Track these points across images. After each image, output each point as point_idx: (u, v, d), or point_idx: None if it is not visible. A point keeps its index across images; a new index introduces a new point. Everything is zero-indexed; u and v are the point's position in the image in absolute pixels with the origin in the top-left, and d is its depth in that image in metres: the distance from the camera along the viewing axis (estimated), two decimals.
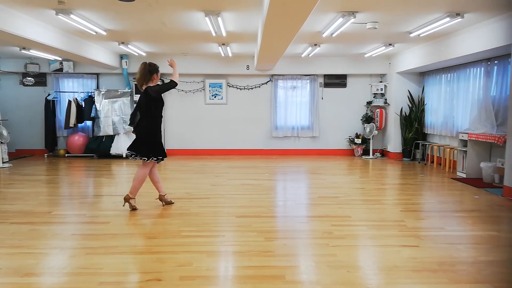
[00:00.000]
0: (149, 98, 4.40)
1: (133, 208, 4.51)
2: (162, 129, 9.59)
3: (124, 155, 9.21)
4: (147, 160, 4.45)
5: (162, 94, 4.55)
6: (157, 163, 4.64)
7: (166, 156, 4.71)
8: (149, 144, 4.46)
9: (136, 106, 4.64)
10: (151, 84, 4.44)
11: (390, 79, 9.59)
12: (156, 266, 3.01)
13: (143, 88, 4.44)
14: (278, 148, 10.16)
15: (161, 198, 4.79)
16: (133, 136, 10.26)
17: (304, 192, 6.10)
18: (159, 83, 4.59)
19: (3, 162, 8.04)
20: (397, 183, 6.77)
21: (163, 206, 4.75)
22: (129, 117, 9.28)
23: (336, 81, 10.05)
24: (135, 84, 9.46)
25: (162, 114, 4.65)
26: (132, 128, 4.72)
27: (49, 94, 9.63)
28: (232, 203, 4.99)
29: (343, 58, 9.64)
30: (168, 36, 7.05)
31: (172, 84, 4.49)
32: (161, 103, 4.54)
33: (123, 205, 4.55)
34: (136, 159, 4.45)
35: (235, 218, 4.30)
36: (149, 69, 4.42)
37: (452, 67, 7.84)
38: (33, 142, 9.88)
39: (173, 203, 4.86)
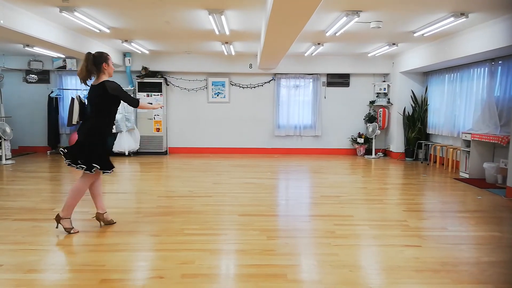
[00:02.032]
0: (105, 94, 3.60)
1: (69, 232, 3.61)
2: (164, 128, 9.77)
3: (126, 153, 9.23)
4: (88, 171, 3.57)
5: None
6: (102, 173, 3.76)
7: (112, 167, 3.78)
8: (94, 149, 3.61)
9: (88, 104, 3.89)
10: (103, 77, 3.67)
11: (393, 78, 9.56)
12: (158, 264, 3.02)
13: (86, 82, 3.68)
14: (281, 147, 10.16)
15: (98, 217, 3.89)
16: (136, 134, 10.24)
17: (306, 191, 6.10)
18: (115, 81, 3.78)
19: (6, 159, 8.07)
20: (399, 183, 6.75)
21: (100, 226, 3.87)
22: (131, 115, 9.33)
23: (339, 80, 10.03)
24: (138, 82, 9.52)
25: (114, 117, 3.85)
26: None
27: (52, 92, 9.65)
28: (234, 202, 4.99)
29: (346, 57, 9.62)
30: (172, 34, 7.05)
31: (134, 102, 3.80)
32: (116, 103, 3.74)
33: (56, 227, 3.65)
34: (77, 168, 3.56)
35: (237, 217, 4.30)
36: (94, 61, 3.62)
37: (456, 67, 7.81)
38: (36, 139, 9.90)
39: (115, 222, 3.98)
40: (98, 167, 3.60)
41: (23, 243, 3.41)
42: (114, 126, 4.05)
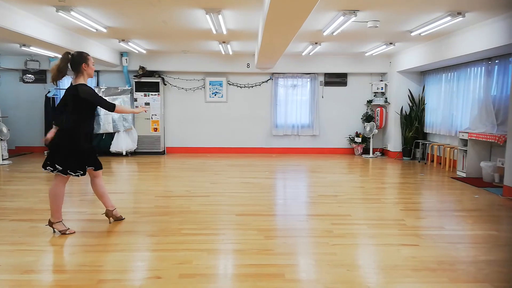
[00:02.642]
0: (78, 97, 3.51)
1: (65, 233, 3.63)
2: (162, 127, 9.75)
3: (124, 153, 9.21)
4: (60, 173, 3.52)
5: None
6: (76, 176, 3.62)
7: (84, 172, 3.64)
8: (61, 150, 3.51)
9: (61, 102, 3.73)
10: (81, 78, 3.57)
11: (391, 78, 9.58)
12: (156, 264, 3.01)
13: (56, 83, 3.58)
14: (278, 147, 10.16)
15: (108, 213, 3.99)
16: (133, 134, 10.22)
17: (304, 191, 6.10)
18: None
19: (3, 159, 8.04)
20: (397, 182, 6.77)
21: (110, 223, 4.00)
22: (129, 115, 9.30)
23: (337, 79, 10.04)
24: (135, 81, 9.51)
25: (92, 121, 3.79)
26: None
27: (49, 91, 9.62)
28: (232, 201, 4.99)
29: (343, 56, 9.62)
30: (169, 33, 7.04)
31: (109, 107, 3.67)
32: (88, 107, 3.61)
33: (53, 232, 3.68)
34: (50, 171, 3.52)
35: (235, 216, 4.30)
36: (72, 60, 3.53)
37: (453, 66, 7.83)
38: (33, 139, 9.86)
39: (123, 218, 4.12)
40: (60, 168, 3.49)
41: (20, 244, 3.40)
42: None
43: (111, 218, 4.01)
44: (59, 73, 3.51)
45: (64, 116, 3.59)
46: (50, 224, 3.65)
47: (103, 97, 3.75)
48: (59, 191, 3.61)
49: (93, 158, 3.75)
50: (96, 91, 3.70)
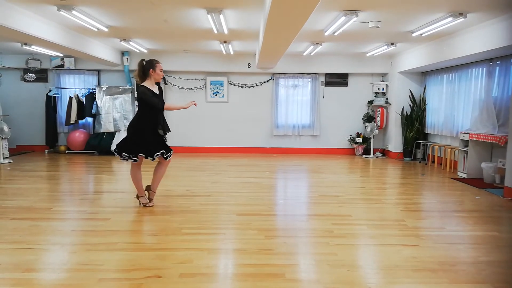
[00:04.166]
0: (137, 97, 4.38)
1: (145, 204, 4.54)
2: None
3: None
4: (122, 158, 4.32)
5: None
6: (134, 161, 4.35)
7: (147, 155, 4.32)
8: (133, 140, 4.30)
9: None
10: (148, 81, 4.30)
11: (392, 78, 9.58)
12: (156, 263, 3.01)
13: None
14: (279, 147, 10.16)
15: (147, 189, 4.63)
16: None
17: (304, 191, 6.10)
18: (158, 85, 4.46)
19: (3, 158, 8.05)
20: (397, 182, 6.77)
21: (139, 204, 4.57)
22: (130, 114, 9.33)
23: (338, 80, 10.03)
24: (136, 81, 9.50)
25: (155, 115, 4.36)
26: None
27: (50, 90, 9.62)
28: (232, 201, 4.99)
29: (344, 57, 9.62)
30: (170, 33, 7.04)
31: (158, 105, 4.30)
32: (144, 103, 4.29)
33: (139, 204, 4.56)
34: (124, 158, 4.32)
35: (236, 216, 4.30)
36: (143, 67, 4.29)
37: (454, 67, 7.82)
38: (33, 138, 9.87)
39: (147, 206, 4.55)
40: (126, 155, 4.26)
41: (21, 242, 3.40)
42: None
43: (146, 196, 4.58)
44: (139, 77, 4.32)
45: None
46: (137, 197, 4.55)
47: (149, 96, 4.26)
48: (133, 173, 4.44)
49: (158, 147, 4.33)
50: (147, 91, 4.28)
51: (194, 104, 4.71)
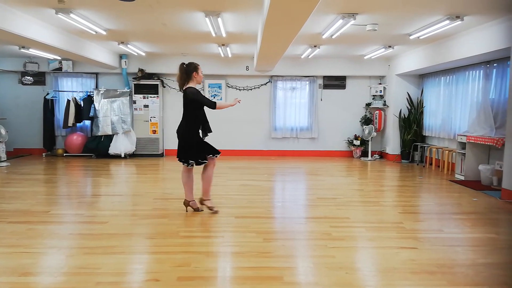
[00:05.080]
0: (187, 99, 4.28)
1: (212, 210, 4.52)
2: (161, 130, 9.75)
3: (122, 155, 9.19)
4: (184, 164, 4.35)
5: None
6: (190, 166, 4.37)
7: (203, 159, 4.39)
8: (185, 146, 4.32)
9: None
10: (191, 84, 4.30)
11: (389, 81, 9.60)
12: (154, 267, 3.00)
13: (183, 89, 4.31)
14: (277, 149, 10.16)
15: (201, 202, 4.56)
16: (132, 136, 10.26)
17: (302, 193, 6.10)
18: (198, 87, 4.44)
19: (1, 161, 8.02)
20: (395, 185, 6.77)
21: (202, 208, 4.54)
22: (128, 116, 9.31)
23: (335, 82, 10.05)
24: (134, 84, 9.51)
25: (202, 117, 4.46)
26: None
27: (48, 93, 9.61)
28: (231, 204, 4.98)
29: (342, 59, 9.65)
30: (168, 36, 7.05)
31: (211, 105, 4.37)
32: (198, 105, 4.34)
33: (201, 210, 4.53)
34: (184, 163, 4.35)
35: (234, 219, 4.29)
36: (186, 70, 4.28)
37: (451, 69, 7.85)
38: (31, 141, 9.85)
39: (201, 210, 4.54)
40: (193, 162, 4.32)
41: (18, 246, 3.38)
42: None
43: (202, 204, 4.53)
44: (181, 80, 4.29)
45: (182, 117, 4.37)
46: (187, 204, 4.48)
47: (204, 96, 4.35)
48: (184, 177, 4.43)
49: (206, 148, 4.44)
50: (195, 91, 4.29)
51: (238, 101, 4.69)
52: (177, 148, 4.38)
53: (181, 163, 4.36)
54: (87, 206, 4.87)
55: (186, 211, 4.49)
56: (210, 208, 4.51)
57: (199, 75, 4.35)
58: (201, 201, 4.53)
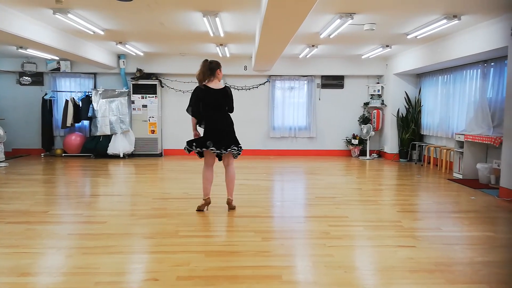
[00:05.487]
0: (226, 94, 4.58)
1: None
2: (159, 129, 9.75)
3: (121, 155, 9.19)
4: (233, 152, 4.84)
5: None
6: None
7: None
8: (233, 133, 4.83)
9: (196, 99, 4.59)
10: (214, 80, 4.46)
11: (387, 80, 9.62)
12: (153, 266, 3.01)
13: (203, 84, 4.43)
14: (276, 149, 10.17)
15: (228, 201, 4.74)
16: (131, 136, 10.21)
17: (301, 193, 6.11)
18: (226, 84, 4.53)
19: None
20: (394, 183, 6.79)
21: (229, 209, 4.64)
22: (126, 116, 9.30)
23: (333, 82, 10.07)
24: (132, 84, 9.50)
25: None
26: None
27: (46, 94, 9.59)
28: None
29: (340, 59, 9.66)
30: (166, 36, 7.05)
31: (233, 109, 4.86)
32: (232, 101, 4.74)
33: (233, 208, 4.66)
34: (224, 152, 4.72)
35: (233, 218, 4.30)
36: (210, 66, 4.40)
37: (449, 68, 7.87)
38: (29, 142, 9.83)
39: (233, 208, 4.70)
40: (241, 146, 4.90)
41: (17, 246, 3.38)
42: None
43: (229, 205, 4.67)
44: (203, 76, 4.40)
45: (211, 112, 4.64)
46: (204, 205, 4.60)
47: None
48: (207, 174, 4.89)
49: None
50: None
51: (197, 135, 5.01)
52: (218, 140, 4.72)
53: (227, 152, 4.75)
54: (86, 206, 4.87)
55: (207, 210, 4.61)
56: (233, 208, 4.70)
57: (221, 73, 4.55)
58: (229, 202, 4.70)
